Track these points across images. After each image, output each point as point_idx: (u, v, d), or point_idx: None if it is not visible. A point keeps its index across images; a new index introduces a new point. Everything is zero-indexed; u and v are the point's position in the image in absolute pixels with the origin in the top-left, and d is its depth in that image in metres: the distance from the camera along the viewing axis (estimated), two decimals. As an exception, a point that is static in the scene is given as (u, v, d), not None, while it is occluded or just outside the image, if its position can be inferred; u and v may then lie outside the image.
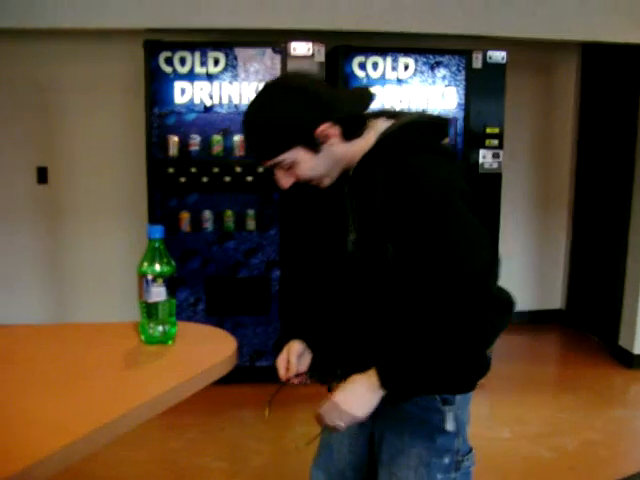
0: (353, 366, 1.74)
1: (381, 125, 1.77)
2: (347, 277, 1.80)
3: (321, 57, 4.37)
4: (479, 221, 1.68)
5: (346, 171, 1.77)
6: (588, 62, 5.78)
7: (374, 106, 1.81)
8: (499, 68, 4.56)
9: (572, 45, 5.65)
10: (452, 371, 1.70)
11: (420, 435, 1.81)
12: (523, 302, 6.00)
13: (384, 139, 1.73)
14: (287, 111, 1.66)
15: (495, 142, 4.58)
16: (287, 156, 1.67)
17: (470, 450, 1.88)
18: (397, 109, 1.87)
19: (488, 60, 4.53)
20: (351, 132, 1.72)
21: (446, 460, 1.82)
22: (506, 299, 1.69)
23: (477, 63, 4.54)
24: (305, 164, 1.69)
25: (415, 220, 1.62)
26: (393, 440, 1.84)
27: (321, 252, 1.92)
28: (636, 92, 5.04)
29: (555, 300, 6.16)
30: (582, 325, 5.86)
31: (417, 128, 1.77)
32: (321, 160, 1.70)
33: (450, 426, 1.82)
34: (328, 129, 1.67)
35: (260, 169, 4.41)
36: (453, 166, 1.77)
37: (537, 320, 6.01)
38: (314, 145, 1.68)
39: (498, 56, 4.53)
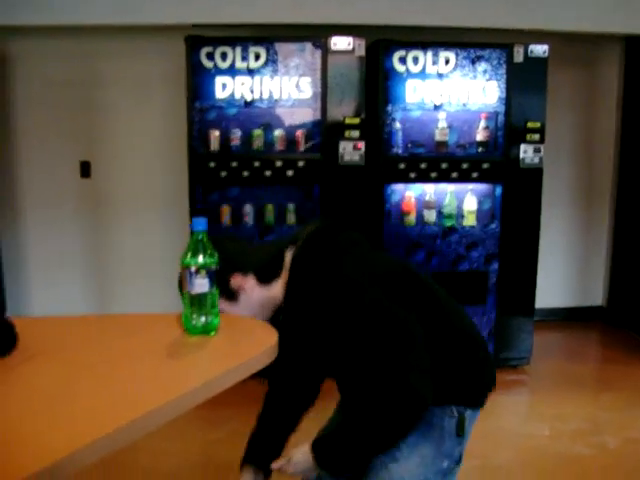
0: None
1: (287, 260, 1.94)
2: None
3: (361, 51, 4.37)
4: (397, 304, 1.83)
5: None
6: (631, 55, 5.69)
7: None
8: (541, 62, 4.51)
9: (615, 38, 5.57)
10: (375, 446, 1.87)
11: (431, 436, 1.93)
12: (563, 299, 5.95)
13: (290, 275, 1.91)
14: None
15: (536, 137, 4.54)
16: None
17: (460, 462, 2.02)
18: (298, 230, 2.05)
19: (529, 54, 4.49)
20: (265, 277, 1.94)
21: (444, 464, 1.96)
22: (422, 395, 1.77)
23: (518, 57, 4.50)
24: (231, 310, 1.89)
25: (336, 327, 1.82)
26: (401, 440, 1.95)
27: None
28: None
29: (597, 297, 6.09)
30: (624, 323, 5.78)
31: (311, 244, 1.93)
32: (243, 307, 1.92)
33: (460, 432, 1.95)
34: (239, 279, 1.90)
35: (301, 163, 4.43)
36: (358, 257, 1.94)
37: (578, 317, 5.95)
38: (231, 295, 1.90)
39: (540, 50, 4.49)
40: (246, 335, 1.82)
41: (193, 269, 1.71)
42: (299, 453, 1.90)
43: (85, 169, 5.29)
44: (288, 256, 1.95)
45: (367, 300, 1.81)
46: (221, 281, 1.79)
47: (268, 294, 1.94)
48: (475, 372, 2.02)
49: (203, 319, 1.74)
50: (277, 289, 1.94)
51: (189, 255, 1.72)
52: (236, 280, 1.90)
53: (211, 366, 1.62)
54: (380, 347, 1.77)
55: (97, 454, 1.19)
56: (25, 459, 1.12)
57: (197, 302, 1.73)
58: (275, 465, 1.97)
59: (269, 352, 1.70)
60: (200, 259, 1.71)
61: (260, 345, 1.70)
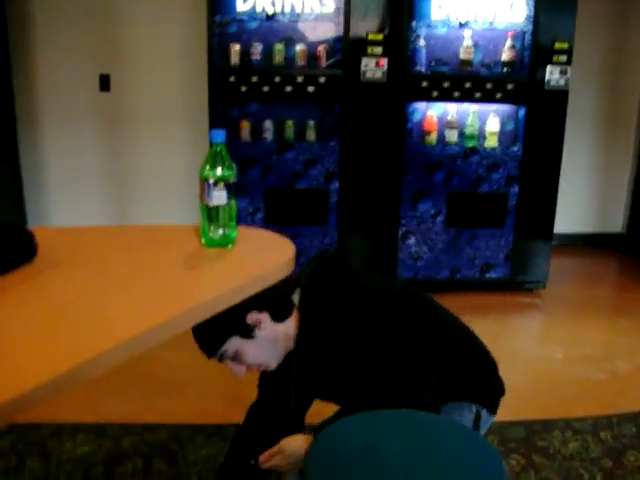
0: None
1: (297, 297, 2.02)
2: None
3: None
4: (405, 321, 1.94)
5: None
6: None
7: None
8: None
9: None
10: None
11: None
12: (583, 224, 5.91)
13: (302, 314, 1.99)
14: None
15: (563, 58, 4.43)
16: (227, 347, 1.92)
17: None
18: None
19: (561, -29, 4.36)
20: (279, 314, 1.97)
21: None
22: (433, 407, 1.83)
23: (549, -26, 4.36)
24: (246, 350, 1.93)
25: (350, 343, 1.88)
26: None
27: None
28: None
29: (616, 224, 6.04)
30: (643, 251, 5.75)
31: (318, 277, 2.05)
32: (260, 344, 1.94)
33: (476, 427, 2.04)
34: (255, 316, 1.92)
35: (322, 79, 4.36)
36: (366, 279, 2.07)
37: (596, 243, 5.92)
38: (247, 332, 1.92)
39: (571, -34, 4.35)
40: (263, 248, 1.82)
41: (211, 181, 1.70)
42: (293, 443, 1.88)
43: (104, 82, 5.24)
44: (297, 294, 2.03)
45: (379, 316, 1.91)
46: (235, 321, 1.90)
47: (283, 330, 1.98)
48: (486, 377, 2.14)
49: (221, 231, 1.74)
50: (290, 326, 1.99)
51: (207, 167, 1.71)
52: (252, 316, 1.93)
53: (228, 277, 1.63)
54: (392, 359, 1.85)
55: (114, 360, 1.21)
56: (45, 364, 1.14)
57: (215, 214, 1.73)
58: (263, 457, 1.93)
59: (287, 264, 1.71)
60: (219, 171, 1.70)
61: (278, 257, 1.71)
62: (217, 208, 1.72)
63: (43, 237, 1.65)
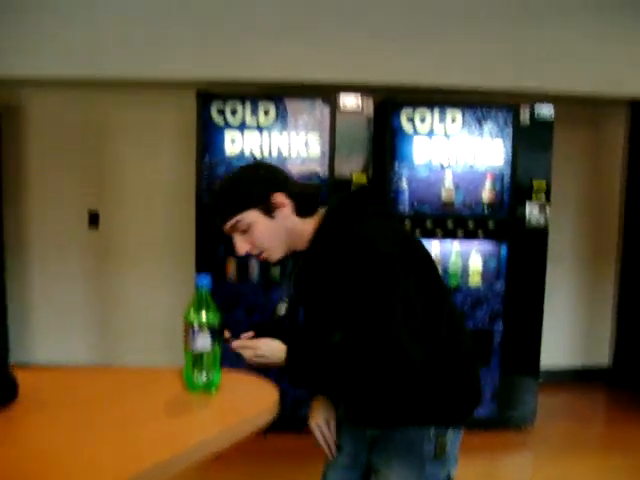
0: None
1: (321, 211, 2.03)
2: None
3: (369, 110, 4.43)
4: (411, 280, 1.86)
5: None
6: (637, 117, 5.75)
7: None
8: (547, 123, 4.55)
9: (621, 101, 5.63)
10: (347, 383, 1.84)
11: (412, 462, 1.96)
12: (569, 358, 5.91)
13: (324, 222, 1.97)
14: (246, 177, 1.96)
15: (542, 197, 4.56)
16: (244, 216, 1.91)
17: None
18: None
19: (536, 115, 4.54)
20: (304, 209, 1.98)
21: None
22: (412, 358, 1.78)
23: (524, 117, 4.54)
24: (260, 227, 1.92)
25: (355, 280, 1.82)
26: (385, 468, 1.99)
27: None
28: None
29: (602, 358, 6.04)
30: (631, 384, 5.73)
31: (352, 201, 2.03)
32: (274, 226, 1.93)
33: (440, 455, 1.96)
34: (282, 198, 1.93)
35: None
36: (391, 225, 2.00)
37: (583, 378, 5.89)
38: (268, 210, 1.92)
39: (546, 111, 4.54)
40: (247, 393, 1.83)
41: (196, 326, 1.72)
42: (269, 346, 1.92)
43: (93, 219, 5.34)
44: (321, 210, 2.02)
45: (382, 260, 1.83)
46: (262, 195, 1.91)
47: (299, 226, 1.97)
48: (461, 387, 2.00)
49: (205, 376, 1.75)
50: (307, 227, 1.98)
51: (192, 312, 1.73)
52: (279, 197, 1.93)
53: (212, 424, 1.62)
54: (382, 304, 1.78)
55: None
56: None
57: (199, 359, 1.74)
58: (237, 343, 1.92)
59: (269, 410, 1.70)
60: (203, 317, 1.72)
61: (260, 403, 1.71)
62: (201, 353, 1.74)
63: (25, 378, 1.65)
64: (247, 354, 1.89)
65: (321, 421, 2.16)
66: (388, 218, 2.04)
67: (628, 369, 5.78)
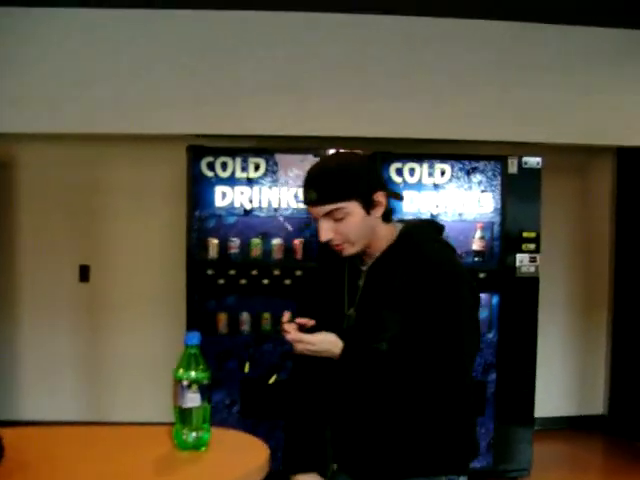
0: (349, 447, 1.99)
1: (398, 224, 2.01)
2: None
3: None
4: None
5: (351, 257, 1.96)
6: (623, 165, 5.81)
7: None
8: (534, 173, 4.61)
9: (607, 149, 5.70)
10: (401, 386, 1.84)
11: None
12: (563, 408, 5.87)
13: (406, 233, 1.96)
14: (360, 167, 1.91)
15: (532, 246, 4.59)
16: (346, 205, 1.85)
17: None
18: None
19: (523, 165, 4.59)
20: (389, 214, 1.96)
21: None
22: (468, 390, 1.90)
23: (513, 168, 4.59)
24: (355, 220, 1.87)
25: (431, 301, 1.83)
26: None
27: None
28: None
29: (597, 406, 6.01)
30: (626, 432, 5.69)
31: (428, 226, 2.07)
32: (366, 223, 1.89)
33: None
34: (382, 198, 1.90)
35: (298, 272, 4.45)
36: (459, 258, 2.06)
37: (578, 426, 5.85)
38: (369, 205, 1.88)
39: (533, 161, 4.59)
40: (237, 451, 1.81)
41: (185, 383, 1.71)
42: (323, 343, 1.87)
43: (84, 273, 5.33)
44: (397, 223, 2.01)
45: (465, 302, 1.89)
46: (371, 189, 1.88)
47: (382, 230, 1.95)
48: (468, 433, 2.00)
49: (194, 434, 1.73)
50: (385, 233, 1.96)
51: (181, 369, 1.72)
52: (380, 196, 1.90)
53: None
54: (461, 334, 1.84)
55: None
56: None
57: (188, 416, 1.73)
58: (292, 337, 1.90)
59: (260, 468, 1.68)
60: (192, 374, 1.72)
61: (250, 462, 1.69)
62: (190, 410, 1.73)
63: (12, 437, 1.63)
64: (299, 347, 1.88)
65: None
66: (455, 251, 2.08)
67: (624, 417, 5.74)
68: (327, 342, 1.85)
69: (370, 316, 1.93)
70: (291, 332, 1.90)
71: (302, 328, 1.91)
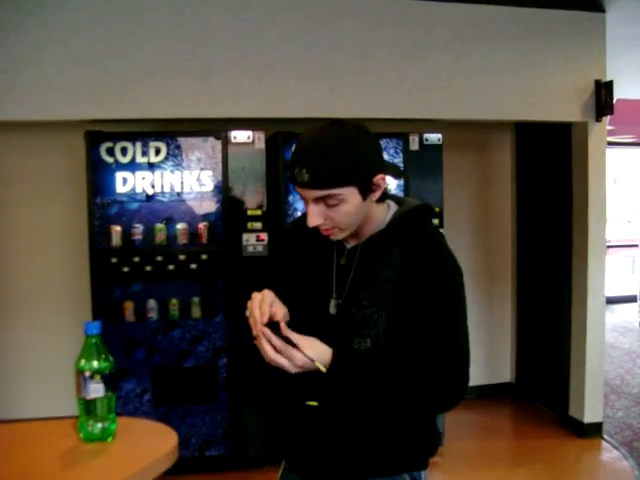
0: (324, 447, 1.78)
1: (392, 205, 1.84)
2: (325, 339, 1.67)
3: (261, 144, 4.46)
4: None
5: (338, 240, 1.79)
6: (522, 138, 5.97)
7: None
8: (436, 149, 4.69)
9: (506, 123, 5.84)
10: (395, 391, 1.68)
11: None
12: (473, 377, 5.95)
13: (402, 219, 1.79)
14: (360, 147, 1.65)
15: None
16: (343, 191, 1.63)
17: None
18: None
19: (425, 142, 4.66)
20: (384, 196, 1.77)
21: None
22: (465, 386, 1.82)
23: (414, 145, 4.65)
24: (349, 206, 1.66)
25: (432, 290, 1.71)
26: None
27: (300, 314, 1.76)
28: (568, 165, 5.20)
29: (505, 374, 6.21)
30: (532, 397, 5.90)
31: (423, 211, 1.85)
32: (361, 208, 1.69)
33: None
34: (381, 181, 1.69)
35: (204, 256, 4.41)
36: None
37: (488, 394, 6.02)
38: (366, 190, 1.67)
39: (434, 138, 4.68)
40: (144, 440, 1.78)
41: (87, 374, 1.67)
42: (317, 349, 1.61)
43: (-17, 267, 5.15)
44: (391, 203, 1.84)
45: (463, 292, 1.81)
46: (371, 173, 1.66)
47: (374, 211, 1.76)
48: (429, 428, 1.90)
49: (100, 425, 1.70)
50: (377, 214, 1.78)
51: (83, 360, 1.68)
52: (379, 180, 1.69)
53: (109, 474, 1.57)
54: (459, 319, 1.79)
55: None
56: None
57: (93, 407, 1.69)
58: (275, 355, 1.59)
59: (170, 455, 1.66)
60: (95, 364, 1.68)
61: (159, 449, 1.66)
62: (95, 401, 1.69)
63: None
64: (295, 354, 1.59)
65: None
66: None
67: (530, 383, 5.96)
68: (317, 348, 1.63)
69: (355, 307, 1.74)
70: (274, 340, 1.60)
71: (273, 326, 1.61)
